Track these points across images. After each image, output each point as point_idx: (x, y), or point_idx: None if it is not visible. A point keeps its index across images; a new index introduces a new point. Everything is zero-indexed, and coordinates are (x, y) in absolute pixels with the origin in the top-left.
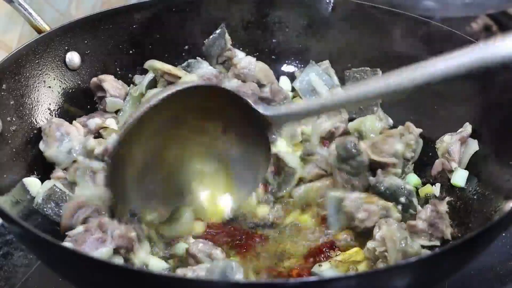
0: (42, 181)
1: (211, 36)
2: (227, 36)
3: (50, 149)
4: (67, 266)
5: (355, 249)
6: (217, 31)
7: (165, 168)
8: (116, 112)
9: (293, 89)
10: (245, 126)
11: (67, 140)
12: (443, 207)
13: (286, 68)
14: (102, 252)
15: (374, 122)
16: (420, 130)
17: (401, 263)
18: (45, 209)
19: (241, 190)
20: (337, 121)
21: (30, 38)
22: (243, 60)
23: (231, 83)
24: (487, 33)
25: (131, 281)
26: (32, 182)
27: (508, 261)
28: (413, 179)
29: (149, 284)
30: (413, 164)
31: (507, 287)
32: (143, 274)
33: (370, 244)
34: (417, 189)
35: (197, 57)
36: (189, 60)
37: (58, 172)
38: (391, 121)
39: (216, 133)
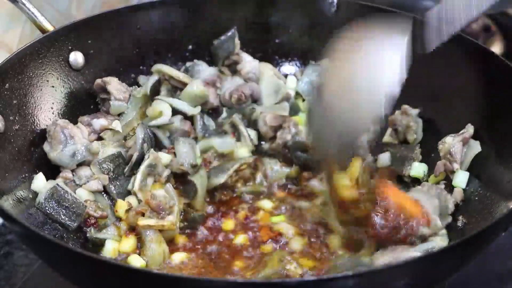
0: None
1: (221, 37)
2: (236, 40)
3: (54, 152)
4: (70, 266)
5: None
6: (228, 34)
7: None
8: (119, 114)
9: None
10: None
11: (71, 142)
12: (460, 195)
13: (290, 69)
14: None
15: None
16: (417, 110)
17: (401, 262)
18: (46, 209)
19: None
20: None
21: (31, 38)
22: (248, 64)
23: (233, 81)
24: (487, 33)
25: (133, 281)
26: (38, 178)
27: (508, 261)
28: (419, 170)
29: (151, 283)
30: (420, 149)
31: (507, 287)
32: (145, 274)
33: None
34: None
35: (194, 60)
36: (187, 64)
37: (66, 173)
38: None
39: None
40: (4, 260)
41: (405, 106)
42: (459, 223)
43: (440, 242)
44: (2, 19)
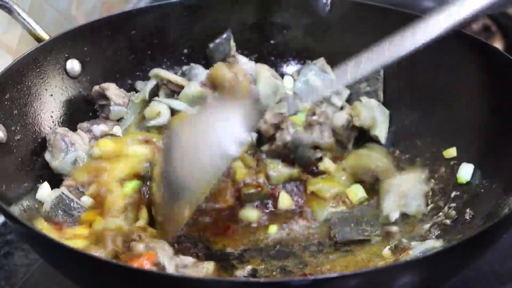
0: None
1: (216, 40)
2: (232, 42)
3: (56, 160)
4: (73, 267)
5: None
6: (223, 36)
7: None
8: (118, 120)
9: None
10: None
11: (72, 150)
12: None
13: (286, 69)
14: None
15: None
16: None
17: (401, 262)
18: (53, 217)
19: None
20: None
21: (31, 38)
22: (244, 66)
23: None
24: (487, 33)
25: (133, 281)
26: (43, 187)
27: (508, 261)
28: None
29: (152, 283)
30: None
31: (507, 287)
32: (146, 274)
33: None
34: None
35: (190, 63)
36: (183, 68)
37: (69, 181)
38: None
39: None
40: (4, 260)
41: None
42: (467, 216)
43: (435, 243)
44: (2, 19)
